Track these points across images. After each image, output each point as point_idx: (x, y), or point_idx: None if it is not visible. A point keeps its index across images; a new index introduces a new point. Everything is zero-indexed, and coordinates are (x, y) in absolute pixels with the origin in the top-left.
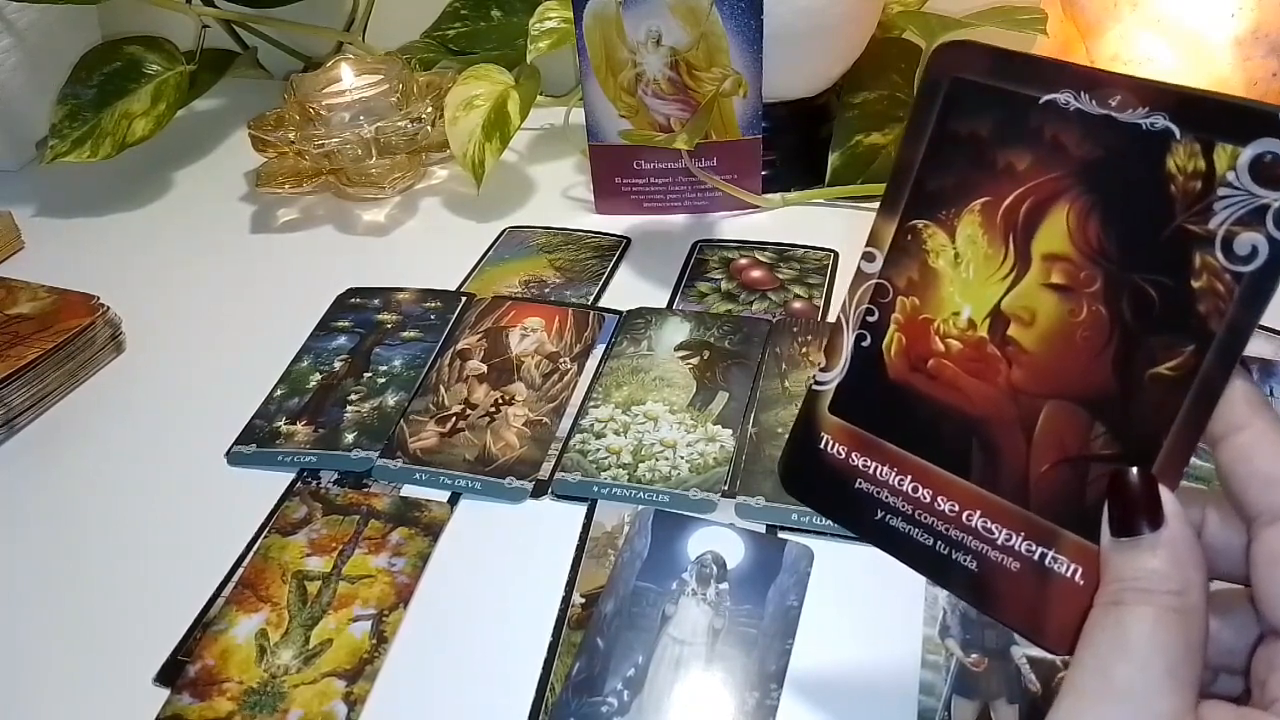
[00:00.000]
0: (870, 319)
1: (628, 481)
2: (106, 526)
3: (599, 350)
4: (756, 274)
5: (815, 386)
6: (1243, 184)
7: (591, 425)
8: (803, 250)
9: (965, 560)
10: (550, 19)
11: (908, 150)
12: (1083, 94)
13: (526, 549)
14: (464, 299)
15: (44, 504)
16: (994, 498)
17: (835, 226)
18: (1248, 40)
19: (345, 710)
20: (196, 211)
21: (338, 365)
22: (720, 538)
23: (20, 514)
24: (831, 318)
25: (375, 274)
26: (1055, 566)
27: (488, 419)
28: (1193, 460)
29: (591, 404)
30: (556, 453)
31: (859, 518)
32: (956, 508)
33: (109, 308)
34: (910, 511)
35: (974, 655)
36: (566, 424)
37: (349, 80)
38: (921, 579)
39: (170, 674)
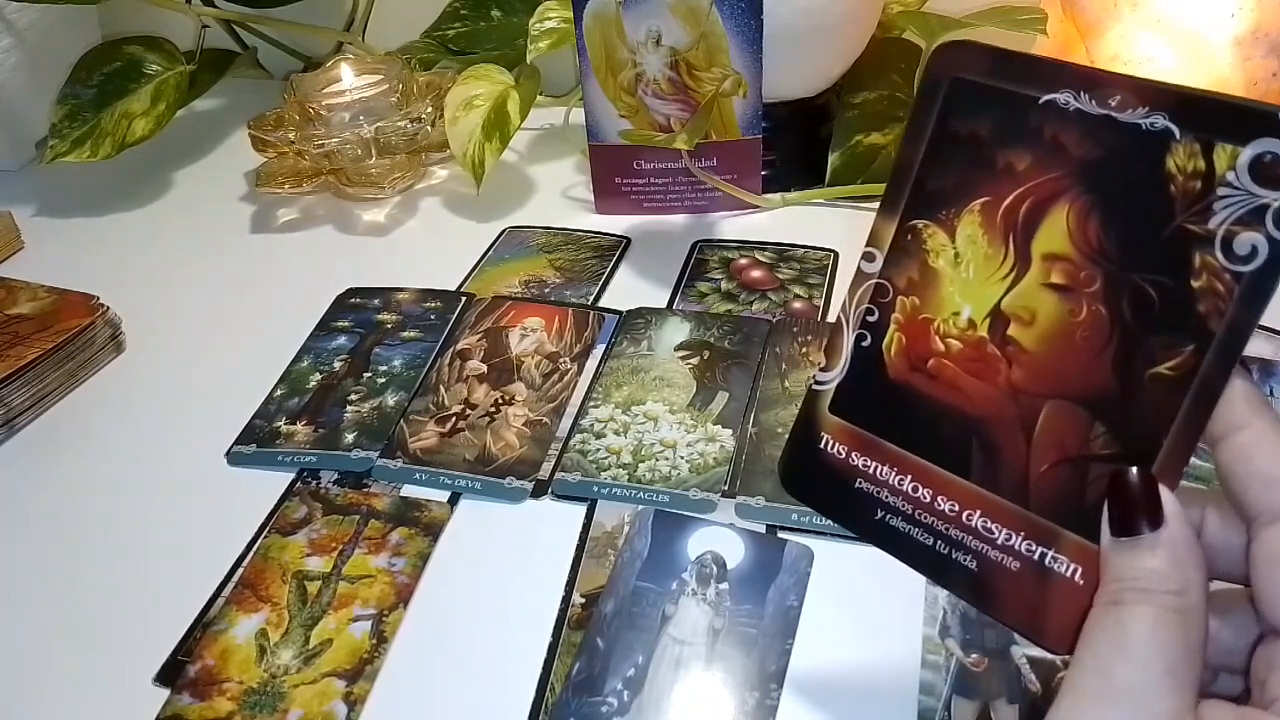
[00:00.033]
0: (870, 319)
1: (628, 481)
2: (106, 526)
3: (599, 350)
4: (756, 274)
5: (815, 386)
6: (1242, 184)
7: (591, 425)
8: (803, 250)
9: (965, 560)
10: (550, 19)
11: (908, 150)
12: (1082, 94)
13: (526, 549)
14: (464, 299)
15: (44, 504)
16: (994, 497)
17: (835, 226)
18: (1248, 40)
19: (345, 710)
20: (196, 211)
21: (338, 365)
22: (720, 538)
23: (20, 514)
24: (831, 318)
25: (375, 274)
26: (1055, 566)
27: (488, 419)
28: (1192, 460)
29: (591, 404)
30: (556, 453)
31: (859, 517)
32: (956, 507)
33: (109, 308)
34: (910, 511)
35: (974, 655)
36: (566, 424)
37: (349, 80)
38: (921, 579)
39: (170, 674)
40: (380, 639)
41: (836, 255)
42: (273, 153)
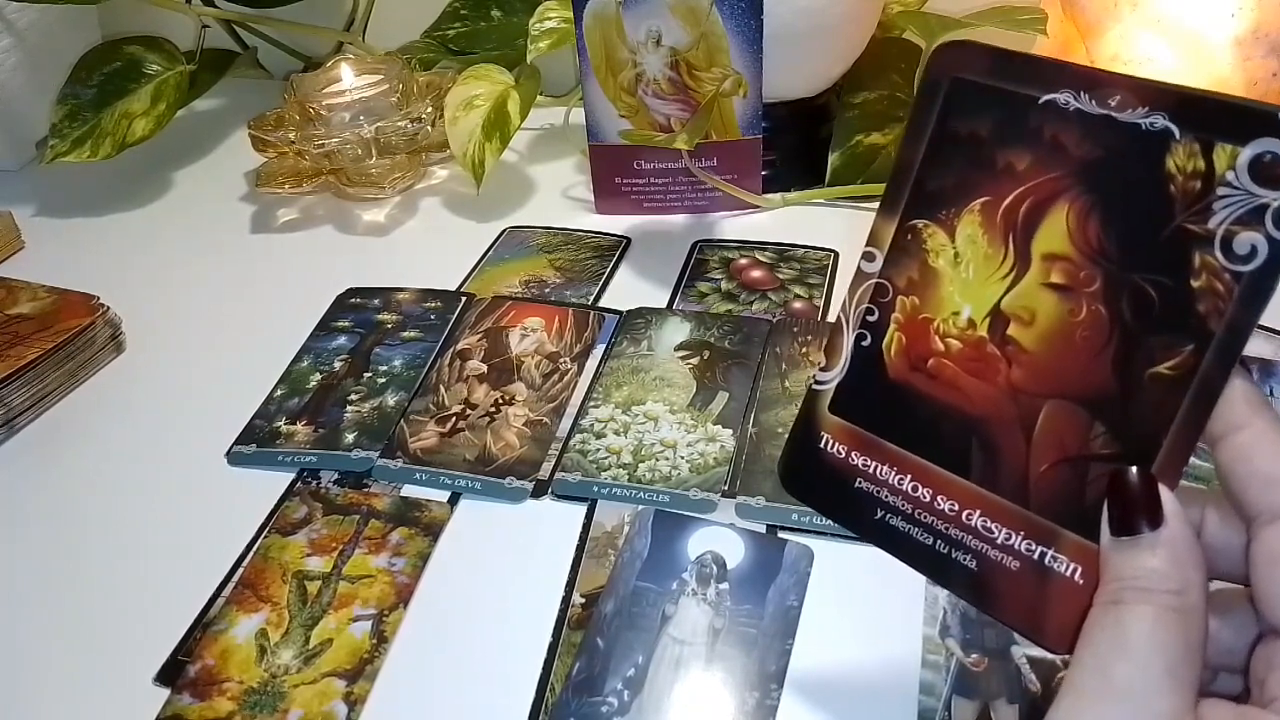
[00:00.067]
0: (870, 319)
1: (628, 481)
2: (106, 526)
3: (599, 350)
4: (756, 274)
5: (815, 386)
6: (1242, 183)
7: (591, 425)
8: (803, 250)
9: (965, 559)
10: (550, 19)
11: (908, 150)
12: (1082, 94)
13: (526, 549)
14: (464, 299)
15: (44, 504)
16: (994, 497)
17: (835, 226)
18: (1248, 40)
19: (345, 710)
20: (196, 211)
21: (338, 365)
22: (720, 538)
23: (20, 514)
24: (831, 317)
25: (375, 274)
26: (1055, 566)
27: (488, 419)
28: (1193, 460)
29: (591, 404)
30: (556, 453)
31: (859, 517)
32: (956, 507)
33: (109, 308)
34: (910, 511)
35: (974, 655)
36: (566, 424)
37: (349, 80)
38: (921, 579)
39: (170, 674)
40: (380, 639)
41: (836, 255)
42: (273, 153)
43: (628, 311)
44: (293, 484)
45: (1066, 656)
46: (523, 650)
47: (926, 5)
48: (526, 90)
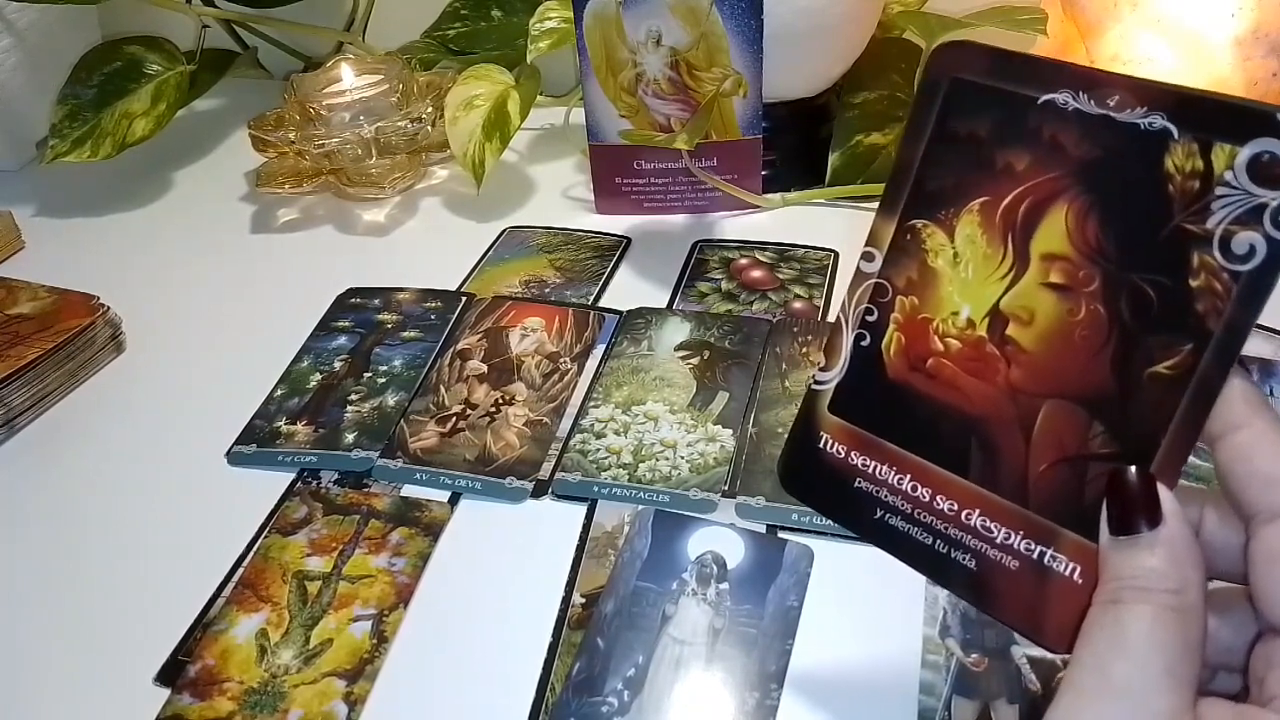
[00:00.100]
0: (869, 318)
1: (628, 481)
2: (106, 526)
3: (599, 350)
4: (757, 274)
5: (815, 386)
6: (1240, 183)
7: (592, 425)
8: (803, 250)
9: (964, 559)
10: (550, 19)
11: (907, 150)
12: (1081, 94)
13: (526, 549)
14: (464, 299)
15: (44, 504)
16: (993, 497)
17: (835, 226)
18: (1248, 40)
19: (345, 710)
20: (196, 211)
21: (338, 365)
22: (720, 538)
23: (20, 514)
24: (831, 318)
25: (375, 274)
26: (1054, 565)
27: (488, 419)
28: (1193, 460)
29: (592, 404)
30: (557, 453)
31: (858, 517)
32: (956, 507)
33: (109, 308)
34: (909, 510)
35: (974, 655)
36: (567, 424)
37: (349, 80)
38: (921, 579)
39: (170, 674)
40: (380, 639)
41: (837, 255)
42: (273, 153)
43: (628, 311)
44: (293, 484)
45: (1066, 656)
46: (523, 650)
47: (926, 5)
48: (526, 90)
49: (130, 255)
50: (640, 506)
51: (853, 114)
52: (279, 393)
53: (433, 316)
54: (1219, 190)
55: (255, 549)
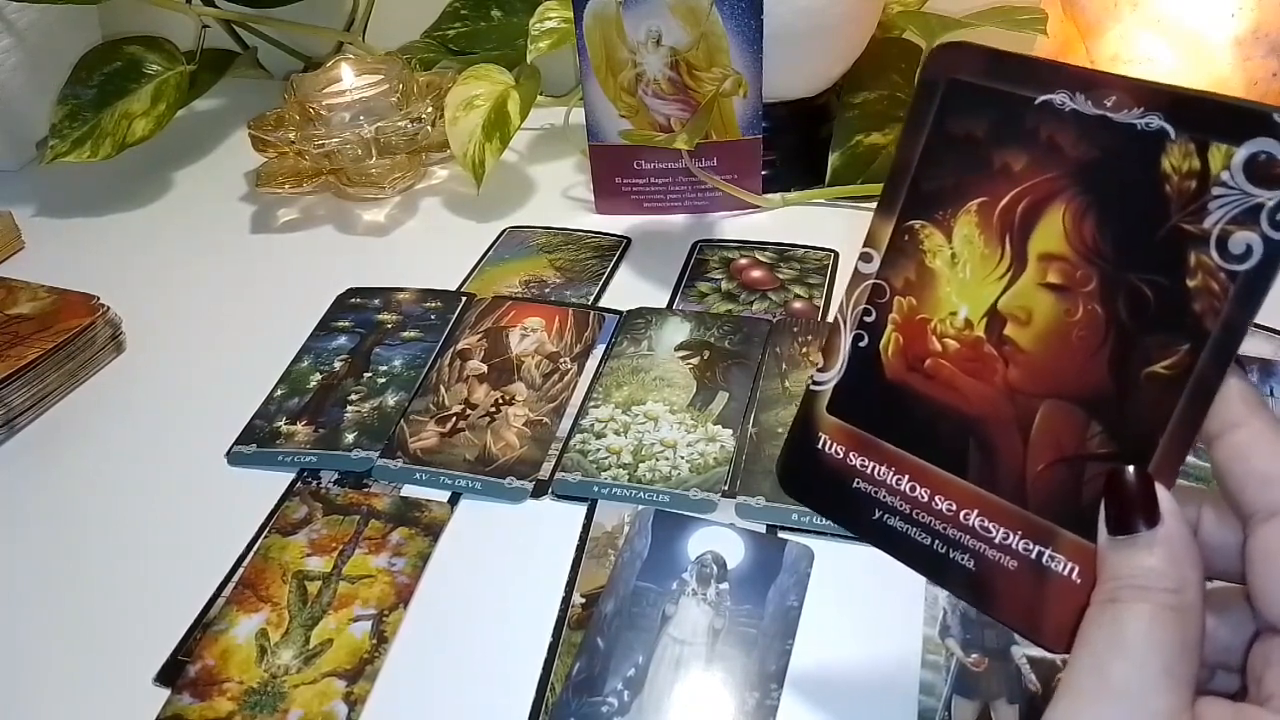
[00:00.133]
0: (868, 319)
1: (628, 481)
2: (106, 526)
3: (599, 350)
4: (757, 274)
5: (813, 387)
6: (1237, 183)
7: (592, 425)
8: (803, 250)
9: (963, 559)
10: (550, 19)
11: (904, 151)
12: (1078, 94)
13: (526, 549)
14: (464, 299)
15: (44, 504)
16: (991, 497)
17: (835, 226)
18: (1248, 40)
19: (345, 710)
20: (196, 211)
21: (338, 365)
22: (720, 538)
23: (20, 514)
24: (830, 318)
25: (375, 274)
26: (1052, 565)
27: (488, 419)
28: (1191, 460)
29: (592, 404)
30: (557, 453)
31: (857, 517)
32: (954, 507)
33: (109, 308)
34: (908, 511)
35: (974, 655)
36: (567, 424)
37: (349, 80)
38: (922, 579)
39: (170, 674)
40: (380, 639)
41: (837, 255)
42: (273, 153)
43: (628, 311)
44: (293, 484)
45: (1066, 656)
46: (523, 650)
47: (926, 5)
48: (526, 90)
49: (130, 255)
50: (640, 506)
51: (853, 114)
52: (279, 393)
53: (433, 316)
54: (1216, 190)
55: (255, 549)
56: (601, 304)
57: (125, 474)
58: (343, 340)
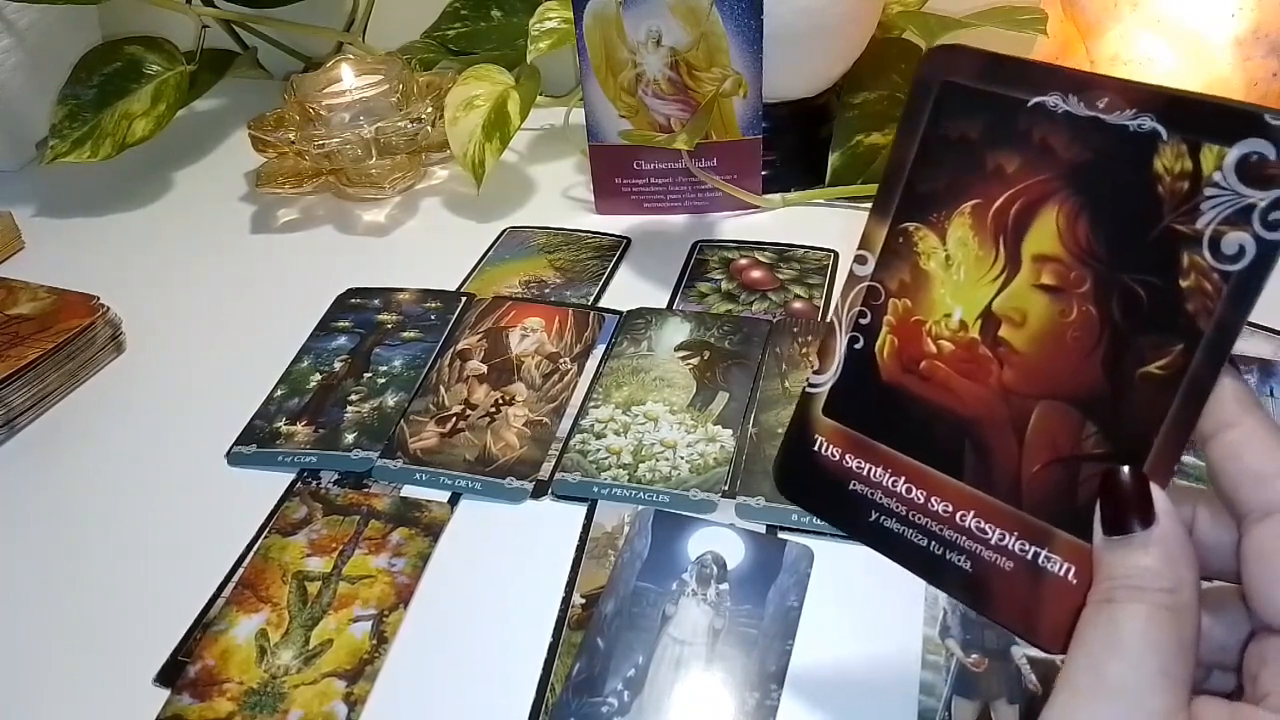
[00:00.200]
0: (863, 321)
1: (628, 482)
2: (106, 526)
3: (599, 350)
4: (756, 274)
5: (809, 389)
6: (1229, 184)
7: (591, 425)
8: (803, 250)
9: (959, 560)
10: (550, 19)
11: (899, 153)
12: (1070, 96)
13: (526, 549)
14: (464, 299)
15: (44, 504)
16: (987, 498)
17: (835, 226)
18: (1248, 40)
19: (345, 710)
20: (196, 211)
21: (338, 365)
22: (720, 538)
23: (20, 514)
24: (828, 319)
25: (375, 274)
26: (1048, 565)
27: (488, 419)
28: (1187, 460)
29: (591, 404)
30: (556, 453)
31: (853, 519)
32: (950, 508)
33: (109, 308)
34: (904, 512)
35: (974, 655)
36: (566, 424)
37: (349, 80)
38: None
39: (170, 674)
40: (380, 639)
41: (836, 255)
42: (273, 153)
43: (628, 312)
44: (293, 484)
45: (1064, 656)
46: (523, 650)
47: (926, 5)
48: (526, 90)
49: (130, 255)
50: (640, 507)
51: (853, 114)
52: (279, 393)
53: (433, 317)
54: (1208, 191)
55: (255, 549)
56: (601, 304)
57: (125, 474)
58: (343, 340)
